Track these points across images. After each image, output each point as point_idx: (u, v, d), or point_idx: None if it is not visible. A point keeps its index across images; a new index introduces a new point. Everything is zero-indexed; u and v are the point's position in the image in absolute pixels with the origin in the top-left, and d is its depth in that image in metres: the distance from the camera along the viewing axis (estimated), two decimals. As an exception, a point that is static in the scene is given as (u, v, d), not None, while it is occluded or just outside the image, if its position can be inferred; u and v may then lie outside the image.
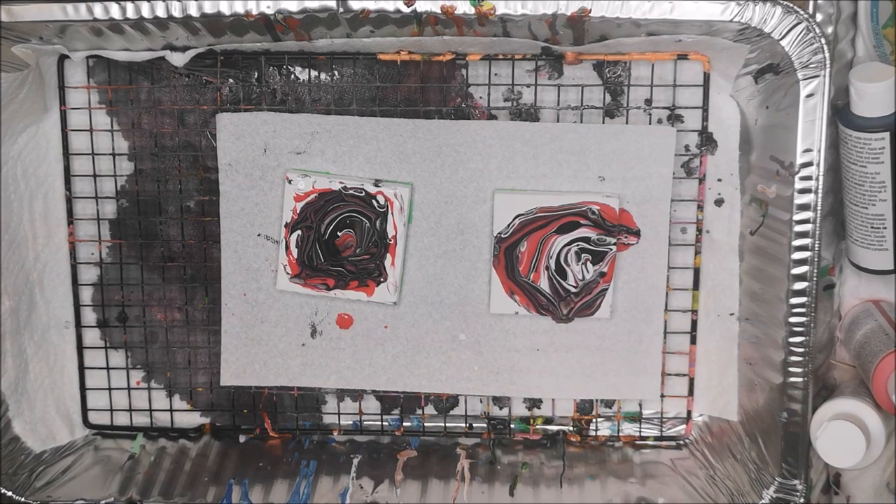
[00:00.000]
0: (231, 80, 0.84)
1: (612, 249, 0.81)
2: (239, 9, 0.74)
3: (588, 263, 0.81)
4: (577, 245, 0.81)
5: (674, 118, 0.83)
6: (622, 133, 0.82)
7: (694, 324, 0.86)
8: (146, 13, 0.74)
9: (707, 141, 0.83)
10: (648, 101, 0.83)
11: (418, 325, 0.85)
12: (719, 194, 0.84)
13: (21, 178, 0.84)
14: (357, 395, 0.89)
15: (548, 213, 0.81)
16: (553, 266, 0.81)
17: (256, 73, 0.84)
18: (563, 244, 0.81)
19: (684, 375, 0.87)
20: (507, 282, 0.82)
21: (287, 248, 0.83)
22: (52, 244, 0.87)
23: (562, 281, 0.82)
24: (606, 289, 0.82)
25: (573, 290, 0.82)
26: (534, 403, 0.89)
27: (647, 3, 0.72)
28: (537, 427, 0.89)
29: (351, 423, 0.90)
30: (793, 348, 0.77)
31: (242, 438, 0.89)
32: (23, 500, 0.83)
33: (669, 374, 0.87)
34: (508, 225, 0.81)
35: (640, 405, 0.88)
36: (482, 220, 0.83)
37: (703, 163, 0.84)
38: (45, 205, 0.86)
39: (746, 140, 0.82)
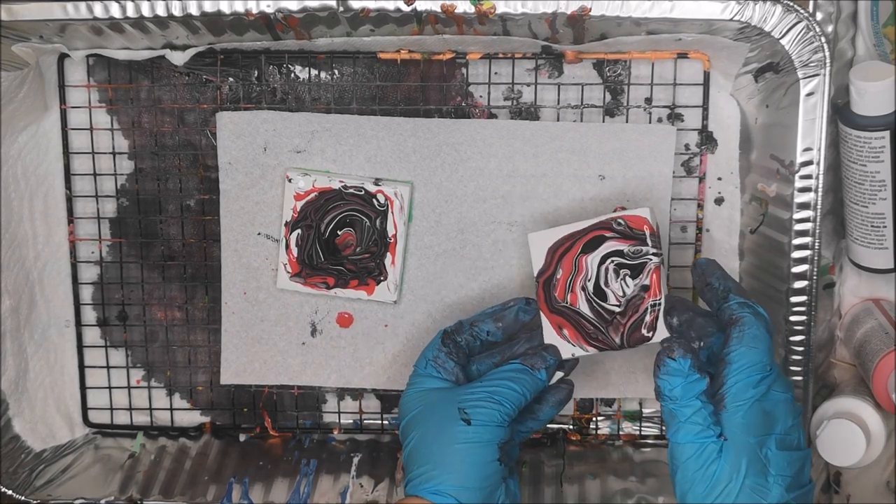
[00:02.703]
0: (231, 79, 0.84)
1: (650, 260, 0.74)
2: (239, 8, 0.74)
3: (627, 278, 0.74)
4: (612, 261, 0.74)
5: (674, 117, 0.83)
6: (622, 132, 0.82)
7: (694, 322, 0.86)
8: (146, 12, 0.74)
9: (707, 140, 0.83)
10: (648, 100, 0.83)
11: (418, 324, 0.85)
12: (719, 193, 0.84)
13: (21, 177, 0.84)
14: (357, 393, 0.89)
15: (573, 235, 0.76)
16: (591, 288, 0.74)
17: (256, 72, 0.84)
18: (598, 262, 0.74)
19: (684, 374, 0.87)
20: (551, 316, 0.75)
21: (287, 246, 0.83)
22: (52, 243, 0.87)
23: (602, 303, 0.75)
24: (656, 304, 0.74)
25: (617, 309, 0.74)
26: (534, 402, 0.89)
27: (648, 2, 0.72)
28: (537, 426, 0.89)
29: (351, 421, 0.90)
30: (793, 347, 0.77)
31: (243, 437, 0.89)
32: (23, 498, 0.83)
33: (669, 373, 0.86)
34: (545, 261, 0.76)
35: (641, 404, 0.88)
36: (482, 218, 0.83)
37: (704, 161, 0.84)
38: (45, 203, 0.86)
39: (746, 139, 0.82)
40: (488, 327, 0.76)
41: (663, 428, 0.88)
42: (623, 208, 0.82)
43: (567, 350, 0.75)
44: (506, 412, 0.70)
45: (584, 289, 0.75)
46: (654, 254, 0.74)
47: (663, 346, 0.67)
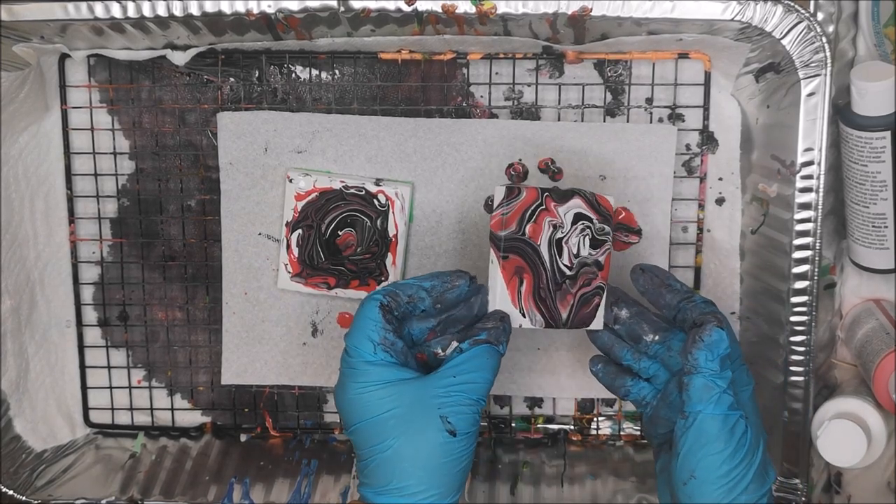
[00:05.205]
0: (232, 79, 0.84)
1: (607, 239, 0.73)
2: (240, 8, 0.74)
3: (587, 239, 0.72)
4: (583, 223, 0.72)
5: (675, 117, 0.83)
6: (623, 132, 0.82)
7: (695, 323, 0.86)
8: (147, 12, 0.74)
9: (708, 140, 0.83)
10: (649, 100, 0.83)
11: (419, 324, 0.84)
12: (720, 193, 0.84)
13: (22, 178, 0.84)
14: (358, 393, 0.89)
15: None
16: (557, 237, 0.71)
17: (257, 72, 0.84)
18: (571, 219, 0.71)
19: (685, 374, 0.87)
20: (507, 262, 0.70)
21: (288, 246, 0.83)
22: (53, 243, 0.87)
23: (559, 258, 0.71)
24: (603, 288, 0.73)
25: (568, 272, 0.72)
26: (535, 402, 0.89)
27: (648, 3, 0.72)
28: (538, 426, 0.89)
29: (352, 421, 0.90)
30: (794, 347, 0.77)
31: (243, 437, 0.89)
32: (24, 498, 0.83)
33: (670, 373, 0.86)
34: (502, 197, 0.70)
35: (641, 404, 0.88)
36: (483, 219, 0.83)
37: (704, 162, 0.84)
38: (46, 204, 0.86)
39: (747, 139, 0.82)
40: (425, 305, 0.69)
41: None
42: (625, 209, 0.82)
43: (517, 320, 0.70)
44: (480, 408, 0.66)
45: (554, 227, 0.71)
46: (627, 231, 0.73)
47: (706, 317, 0.67)
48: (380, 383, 0.65)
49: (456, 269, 0.71)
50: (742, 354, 0.70)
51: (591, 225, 0.72)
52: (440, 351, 0.69)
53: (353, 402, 0.66)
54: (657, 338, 0.72)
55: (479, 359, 0.66)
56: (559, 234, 0.71)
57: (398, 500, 0.64)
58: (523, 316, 0.71)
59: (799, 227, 0.75)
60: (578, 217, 0.72)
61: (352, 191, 0.82)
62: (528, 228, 0.70)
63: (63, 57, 0.84)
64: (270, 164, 0.83)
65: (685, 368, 0.66)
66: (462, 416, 0.65)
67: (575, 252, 0.71)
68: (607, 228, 0.73)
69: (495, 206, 0.70)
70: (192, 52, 0.81)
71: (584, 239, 0.72)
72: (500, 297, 0.70)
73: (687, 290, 0.72)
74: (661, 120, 0.83)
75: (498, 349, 0.67)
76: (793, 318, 0.77)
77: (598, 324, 0.73)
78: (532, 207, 0.70)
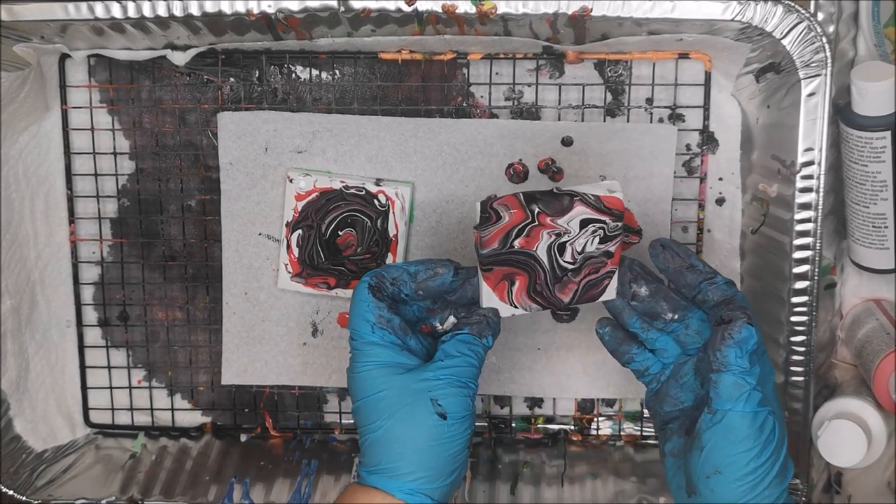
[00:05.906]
0: (232, 79, 0.84)
1: (619, 233, 0.69)
2: (240, 8, 0.74)
3: (597, 239, 0.69)
4: (594, 226, 0.69)
5: (675, 117, 0.83)
6: (623, 132, 0.82)
7: (695, 323, 0.86)
8: (147, 12, 0.74)
9: (708, 140, 0.83)
10: (650, 100, 0.83)
11: (419, 324, 0.84)
12: (720, 193, 0.84)
13: (22, 178, 0.84)
14: (358, 394, 0.89)
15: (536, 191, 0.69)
16: (559, 241, 0.68)
17: (257, 72, 0.84)
18: (578, 225, 0.68)
19: (685, 374, 0.86)
20: (498, 270, 0.68)
21: (288, 246, 0.83)
22: (53, 243, 0.87)
23: (559, 257, 0.69)
24: (614, 271, 0.70)
25: (570, 266, 0.69)
26: (535, 402, 0.89)
27: (649, 3, 0.72)
28: (538, 426, 0.89)
29: (352, 421, 0.89)
30: (794, 347, 0.77)
31: (244, 437, 0.89)
32: (24, 498, 0.83)
33: (670, 373, 0.86)
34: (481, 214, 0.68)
35: (642, 404, 0.88)
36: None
37: (705, 162, 0.84)
38: (46, 204, 0.86)
39: (748, 139, 0.82)
40: (408, 290, 0.70)
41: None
42: (626, 209, 0.80)
43: (507, 311, 0.70)
44: (472, 393, 0.67)
45: (557, 234, 0.68)
46: (627, 231, 0.71)
47: (735, 314, 0.65)
48: (377, 364, 0.67)
49: (444, 259, 0.71)
50: (763, 342, 0.67)
51: (604, 226, 0.69)
52: (439, 325, 0.70)
53: (354, 380, 0.68)
54: (676, 317, 0.70)
55: (462, 345, 0.68)
56: (564, 239, 0.69)
57: (387, 480, 0.65)
58: (515, 308, 0.70)
59: (799, 227, 0.75)
60: (587, 222, 0.69)
61: (352, 191, 0.82)
62: (517, 242, 0.68)
63: (63, 57, 0.84)
64: (270, 164, 0.83)
65: (713, 366, 0.64)
66: (452, 398, 0.66)
67: (580, 250, 0.69)
68: (620, 225, 0.69)
69: (476, 223, 0.68)
70: (193, 52, 0.81)
71: (593, 239, 0.69)
72: (485, 299, 0.69)
73: (709, 271, 0.69)
74: (661, 120, 0.83)
75: (482, 342, 0.69)
76: (793, 319, 0.77)
77: (609, 296, 0.71)
78: (520, 227, 0.67)
